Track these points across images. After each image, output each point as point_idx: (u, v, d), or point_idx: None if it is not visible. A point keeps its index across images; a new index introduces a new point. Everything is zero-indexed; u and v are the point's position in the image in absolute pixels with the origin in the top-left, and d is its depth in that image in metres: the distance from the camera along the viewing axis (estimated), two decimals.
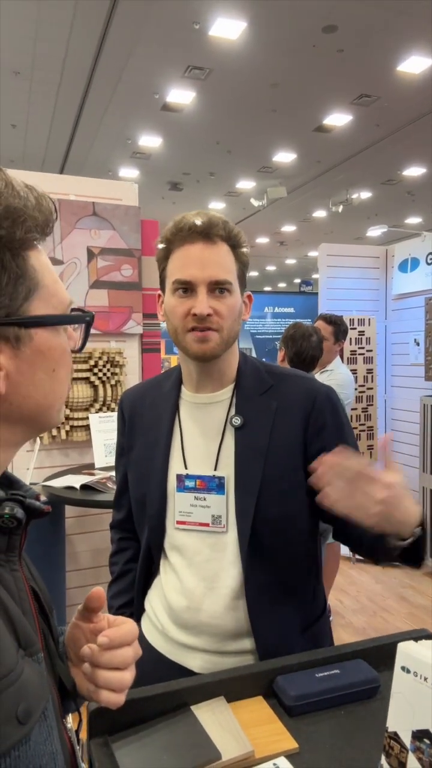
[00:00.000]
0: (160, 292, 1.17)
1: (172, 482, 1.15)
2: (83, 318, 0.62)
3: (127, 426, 1.27)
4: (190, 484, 1.13)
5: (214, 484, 1.12)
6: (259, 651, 1.10)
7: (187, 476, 1.14)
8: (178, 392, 1.21)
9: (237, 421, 1.12)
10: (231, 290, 1.09)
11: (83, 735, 0.75)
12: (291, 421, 1.12)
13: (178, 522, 1.14)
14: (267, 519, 1.09)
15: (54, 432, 2.76)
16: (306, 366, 2.76)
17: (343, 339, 3.40)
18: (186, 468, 1.15)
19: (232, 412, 1.14)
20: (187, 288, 1.07)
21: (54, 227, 0.59)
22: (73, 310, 0.61)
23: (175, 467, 1.16)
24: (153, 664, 1.13)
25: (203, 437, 1.15)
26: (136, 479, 1.23)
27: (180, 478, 1.15)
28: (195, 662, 1.12)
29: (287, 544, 1.12)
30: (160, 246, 1.12)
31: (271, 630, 1.10)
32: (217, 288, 1.08)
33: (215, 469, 1.13)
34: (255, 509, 1.08)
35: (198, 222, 1.06)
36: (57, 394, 0.59)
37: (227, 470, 1.12)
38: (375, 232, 12.96)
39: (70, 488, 2.31)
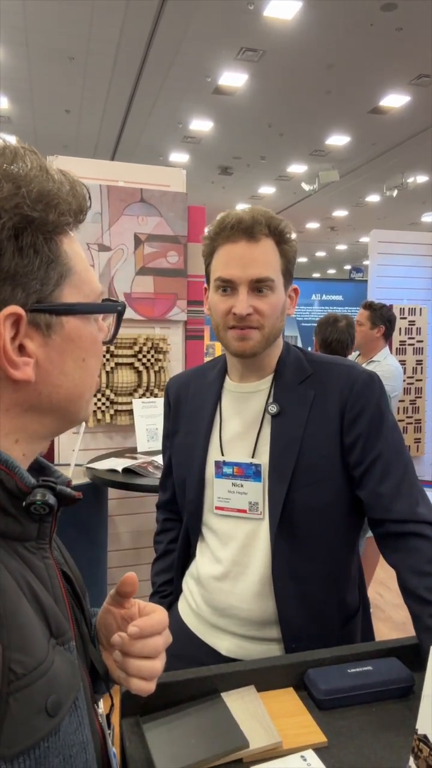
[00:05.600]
0: (206, 285, 1.19)
1: (210, 469, 1.18)
2: (114, 307, 0.61)
3: (172, 411, 1.31)
4: (228, 470, 1.16)
5: (252, 471, 1.14)
6: (285, 641, 1.11)
7: (225, 463, 1.16)
8: (221, 382, 1.23)
9: (273, 409, 1.13)
10: (273, 287, 1.09)
11: (114, 719, 0.76)
12: (328, 409, 1.11)
13: (217, 507, 1.17)
14: (299, 507, 1.10)
15: (99, 416, 2.82)
16: (334, 352, 2.72)
17: (382, 325, 3.22)
18: (222, 455, 1.17)
19: (270, 400, 1.15)
20: (228, 286, 1.09)
21: (87, 214, 0.58)
22: (104, 300, 0.60)
23: (214, 454, 1.19)
24: (185, 643, 1.17)
25: (242, 425, 1.17)
26: (177, 464, 1.28)
27: (218, 465, 1.17)
28: (223, 644, 1.15)
29: (321, 535, 1.12)
30: (206, 242, 1.14)
31: (300, 621, 1.11)
32: (258, 287, 1.08)
33: (252, 457, 1.14)
34: (286, 497, 1.09)
35: (241, 220, 1.07)
36: (86, 384, 0.59)
37: (264, 458, 1.13)
38: (431, 217, 12.54)
39: (113, 471, 2.35)
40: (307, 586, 1.11)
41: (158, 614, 0.68)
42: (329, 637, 1.09)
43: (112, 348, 2.82)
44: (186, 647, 1.16)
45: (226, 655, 1.14)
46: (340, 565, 1.16)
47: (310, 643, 1.04)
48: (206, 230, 1.14)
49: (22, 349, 0.52)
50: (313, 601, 1.11)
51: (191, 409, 1.26)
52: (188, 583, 1.27)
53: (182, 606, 1.26)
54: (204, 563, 1.21)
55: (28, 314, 0.51)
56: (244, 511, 1.14)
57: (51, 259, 0.52)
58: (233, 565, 1.15)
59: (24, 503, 0.53)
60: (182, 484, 1.25)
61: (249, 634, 1.13)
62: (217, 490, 1.17)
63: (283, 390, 1.15)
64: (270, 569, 1.11)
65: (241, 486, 1.14)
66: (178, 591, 1.31)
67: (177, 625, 1.20)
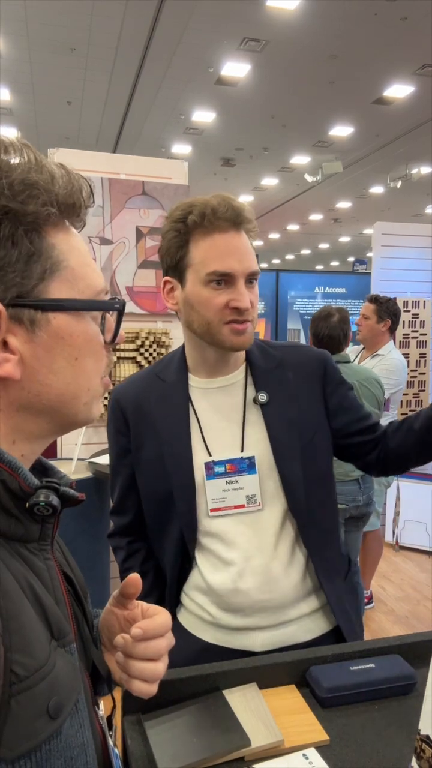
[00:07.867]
0: (167, 278, 1.12)
1: (200, 472, 1.13)
2: (111, 305, 0.57)
3: (131, 425, 1.19)
4: (219, 470, 1.13)
5: (245, 465, 1.13)
6: (330, 602, 1.16)
7: (216, 462, 1.13)
8: (185, 381, 1.17)
9: (263, 398, 1.14)
10: (257, 280, 1.10)
11: (117, 720, 0.75)
12: (309, 386, 1.19)
13: (212, 510, 1.13)
14: (309, 482, 1.14)
15: (102, 409, 2.81)
16: (326, 346, 2.62)
17: (389, 318, 3.20)
18: (210, 455, 1.14)
19: (252, 391, 1.15)
20: (224, 279, 1.04)
21: (87, 210, 0.56)
22: (111, 299, 0.58)
23: (200, 456, 1.14)
24: (198, 655, 1.08)
25: (225, 421, 1.14)
26: (152, 478, 1.18)
27: (208, 466, 1.13)
28: (256, 642, 1.11)
29: (322, 503, 1.18)
30: (174, 232, 1.06)
31: (329, 587, 1.17)
32: (250, 279, 1.07)
33: (242, 450, 1.13)
34: (303, 477, 1.13)
35: (230, 207, 1.03)
36: (81, 385, 0.56)
37: (255, 449, 1.13)
38: None
39: None
40: (314, 550, 1.16)
41: (161, 616, 0.67)
42: (338, 588, 1.18)
43: None
44: (203, 659, 1.00)
45: (261, 652, 1.09)
46: (334, 521, 1.26)
47: (342, 594, 1.17)
48: (174, 218, 1.06)
49: (6, 346, 0.51)
50: (323, 558, 1.17)
51: (158, 417, 1.16)
52: (193, 597, 1.18)
53: (189, 620, 1.18)
54: (211, 571, 1.14)
55: (9, 309, 0.50)
56: (242, 506, 1.12)
57: (32, 252, 0.50)
58: (245, 561, 1.11)
59: (27, 504, 0.52)
60: (164, 498, 1.15)
61: (288, 618, 1.12)
62: (211, 492, 1.12)
63: (263, 378, 1.16)
64: (286, 551, 1.14)
65: (236, 482, 1.12)
66: (174, 607, 1.21)
67: (187, 640, 1.14)
